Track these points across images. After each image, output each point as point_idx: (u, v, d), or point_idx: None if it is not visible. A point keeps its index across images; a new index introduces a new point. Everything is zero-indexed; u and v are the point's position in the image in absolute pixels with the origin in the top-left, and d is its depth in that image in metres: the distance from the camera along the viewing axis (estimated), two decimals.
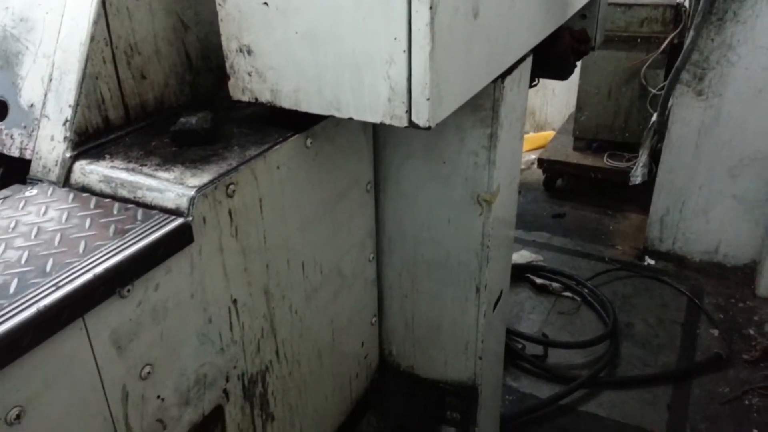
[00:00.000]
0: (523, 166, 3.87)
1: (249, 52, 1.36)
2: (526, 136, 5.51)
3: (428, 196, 1.83)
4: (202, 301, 1.27)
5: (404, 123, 1.28)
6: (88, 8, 1.31)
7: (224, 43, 1.38)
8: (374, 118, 1.31)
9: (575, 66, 2.45)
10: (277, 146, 1.39)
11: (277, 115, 1.44)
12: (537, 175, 5.35)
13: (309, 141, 1.49)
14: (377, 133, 1.80)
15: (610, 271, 4.17)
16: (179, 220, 1.17)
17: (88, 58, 1.31)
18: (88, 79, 1.31)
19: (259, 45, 1.34)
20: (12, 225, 1.15)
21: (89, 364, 1.04)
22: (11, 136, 1.37)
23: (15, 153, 1.36)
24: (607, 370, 3.35)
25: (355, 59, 1.26)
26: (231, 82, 1.43)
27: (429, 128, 1.26)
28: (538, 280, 3.99)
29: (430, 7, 1.15)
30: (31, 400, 0.95)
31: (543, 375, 3.33)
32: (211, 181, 1.23)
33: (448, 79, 1.29)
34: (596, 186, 5.09)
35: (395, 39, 1.20)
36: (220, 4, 1.34)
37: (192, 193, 1.19)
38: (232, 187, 1.27)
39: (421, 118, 1.25)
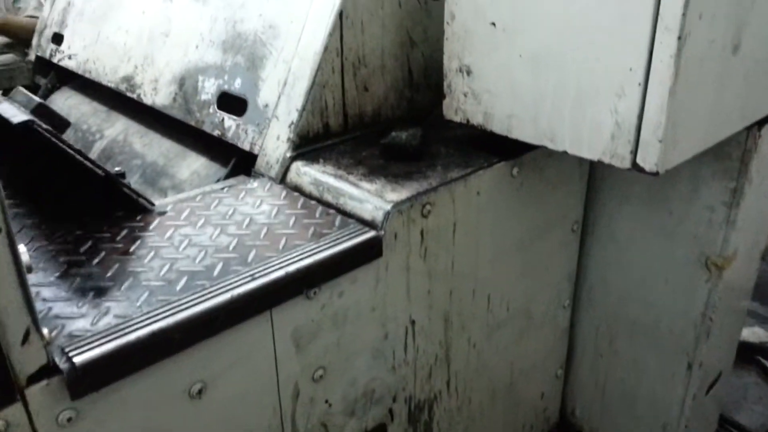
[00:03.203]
0: None
1: (468, 73, 1.33)
2: None
3: (644, 249, 1.62)
4: (382, 316, 1.26)
5: (626, 164, 1.13)
6: (327, 19, 1.39)
7: (445, 61, 1.37)
8: (591, 155, 1.18)
9: None
10: (481, 171, 1.34)
11: (487, 139, 1.38)
12: None
13: (515, 170, 1.41)
14: (593, 169, 1.65)
15: None
16: (371, 233, 1.17)
17: (320, 67, 1.39)
18: (316, 87, 1.40)
19: (480, 66, 1.30)
20: (230, 212, 1.26)
21: (269, 355, 1.09)
22: (246, 131, 1.51)
23: (246, 147, 1.50)
24: None
25: (579, 88, 1.15)
26: (445, 102, 1.41)
27: (656, 174, 1.10)
28: None
29: (679, 37, 1.00)
30: (214, 379, 1.02)
31: None
32: (408, 199, 1.22)
33: (689, 121, 1.11)
34: None
35: (630, 70, 1.07)
36: (447, 23, 1.33)
37: (388, 207, 1.19)
38: (428, 207, 1.25)
39: (648, 161, 1.10)
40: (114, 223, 1.22)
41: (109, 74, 2.05)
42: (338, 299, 1.16)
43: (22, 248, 0.89)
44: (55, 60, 2.35)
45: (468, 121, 1.38)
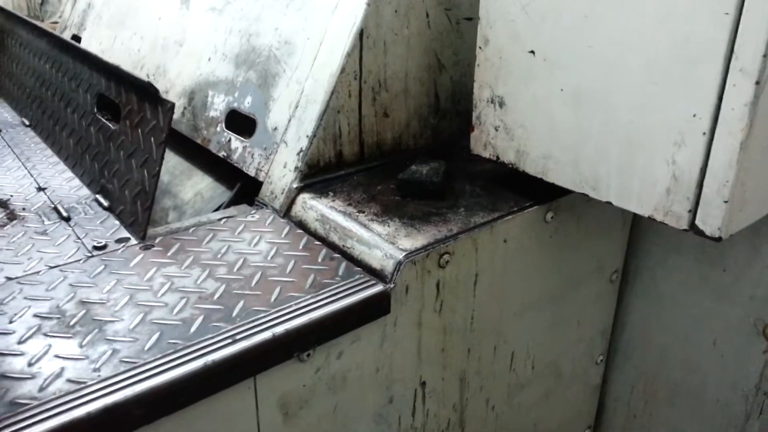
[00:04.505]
0: None
1: (501, 105, 1.17)
2: None
3: (692, 306, 1.44)
4: (387, 378, 1.10)
5: (683, 225, 0.96)
6: (345, 38, 1.24)
7: (476, 90, 1.21)
8: (641, 210, 1.01)
9: None
10: (510, 217, 1.17)
11: (518, 178, 1.22)
12: None
13: (550, 215, 1.24)
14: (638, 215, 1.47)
15: None
16: (379, 287, 1.02)
17: (335, 91, 1.24)
18: (329, 112, 1.25)
19: (514, 98, 1.14)
20: (223, 250, 1.13)
21: (251, 427, 0.95)
22: (252, 155, 1.38)
23: (251, 172, 1.36)
24: None
25: (630, 132, 0.98)
26: (474, 134, 1.25)
27: (718, 239, 0.92)
28: None
29: (757, 81, 0.82)
30: None
31: None
32: (425, 247, 1.06)
33: (761, 179, 0.93)
34: None
35: (693, 116, 0.90)
36: (480, 48, 1.17)
37: (400, 257, 1.04)
38: (446, 257, 1.09)
39: (709, 223, 0.92)
40: (93, 255, 1.10)
41: None
42: (336, 361, 1.01)
43: None
44: None
45: (498, 158, 1.22)
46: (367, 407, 1.10)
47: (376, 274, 1.05)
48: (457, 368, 1.22)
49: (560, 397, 1.52)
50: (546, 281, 1.32)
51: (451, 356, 1.20)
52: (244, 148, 1.41)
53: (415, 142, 1.41)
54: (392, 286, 1.03)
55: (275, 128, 1.34)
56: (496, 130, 1.20)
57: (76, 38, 2.29)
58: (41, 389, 0.79)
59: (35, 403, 0.76)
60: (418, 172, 1.24)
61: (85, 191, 1.36)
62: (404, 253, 1.04)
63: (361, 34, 1.23)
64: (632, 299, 1.53)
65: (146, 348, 0.87)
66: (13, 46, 2.02)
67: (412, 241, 1.08)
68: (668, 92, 0.91)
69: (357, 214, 1.17)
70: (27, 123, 1.75)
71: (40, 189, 1.36)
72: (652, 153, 0.97)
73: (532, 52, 1.08)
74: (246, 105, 1.44)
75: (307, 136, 1.26)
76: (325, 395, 1.02)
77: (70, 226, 1.21)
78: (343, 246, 1.13)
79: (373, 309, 1.02)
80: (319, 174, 1.28)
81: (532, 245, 1.24)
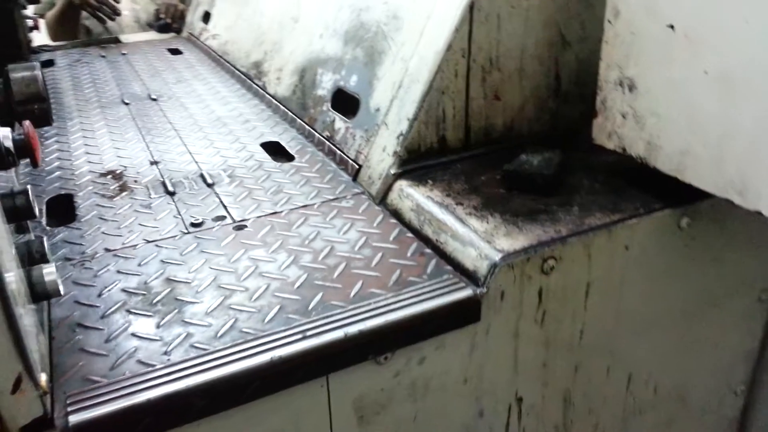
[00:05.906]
0: None
1: (630, 88, 1.00)
2: None
3: None
4: (476, 390, 1.00)
5: None
6: (454, 12, 1.13)
7: (601, 70, 1.05)
8: None
9: None
10: (634, 220, 1.01)
11: (647, 175, 1.04)
12: None
13: (685, 221, 1.05)
14: None
15: None
16: (468, 291, 0.91)
17: (439, 70, 1.14)
18: (433, 93, 1.15)
19: (647, 80, 0.97)
20: (312, 236, 1.08)
21: (323, 427, 0.89)
22: (354, 137, 1.32)
23: (351, 154, 1.30)
24: None
25: None
26: (597, 121, 1.09)
27: None
28: None
29: None
30: None
31: None
32: (525, 249, 0.94)
33: None
34: None
35: None
36: (609, 21, 1.01)
37: (496, 258, 0.92)
38: (551, 261, 0.96)
39: None
40: (188, 232, 1.10)
41: (242, 58, 1.97)
42: (418, 366, 0.93)
43: (51, 268, 0.78)
44: (202, 39, 2.35)
45: (624, 150, 1.05)
46: (453, 419, 1.00)
47: (468, 276, 0.95)
48: (560, 386, 1.09)
49: (687, 428, 1.32)
50: (676, 296, 1.14)
51: (554, 372, 1.07)
52: (347, 128, 1.35)
53: (530, 129, 1.27)
54: (484, 290, 0.92)
55: (377, 109, 1.27)
56: (624, 118, 1.03)
57: (207, 14, 2.37)
58: (112, 368, 0.79)
59: (104, 382, 0.76)
60: (528, 163, 1.11)
61: (194, 167, 1.38)
62: (501, 255, 0.93)
63: (471, 7, 1.11)
64: None
65: (218, 335, 0.84)
66: None
67: (511, 241, 0.96)
68: None
69: (455, 206, 1.07)
70: (153, 97, 1.83)
71: (153, 162, 1.40)
72: None
73: (671, 26, 0.90)
74: (352, 84, 1.38)
75: (408, 119, 1.17)
76: (404, 402, 0.94)
77: (173, 201, 1.23)
78: (437, 240, 1.03)
79: (460, 315, 0.92)
80: (419, 160, 1.19)
81: (661, 254, 1.07)
